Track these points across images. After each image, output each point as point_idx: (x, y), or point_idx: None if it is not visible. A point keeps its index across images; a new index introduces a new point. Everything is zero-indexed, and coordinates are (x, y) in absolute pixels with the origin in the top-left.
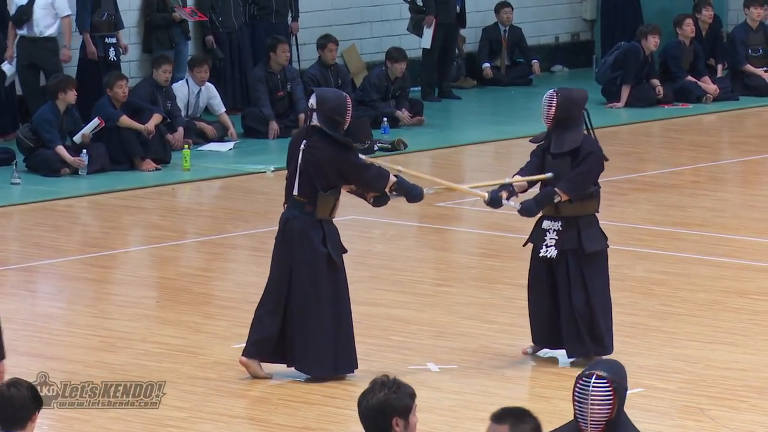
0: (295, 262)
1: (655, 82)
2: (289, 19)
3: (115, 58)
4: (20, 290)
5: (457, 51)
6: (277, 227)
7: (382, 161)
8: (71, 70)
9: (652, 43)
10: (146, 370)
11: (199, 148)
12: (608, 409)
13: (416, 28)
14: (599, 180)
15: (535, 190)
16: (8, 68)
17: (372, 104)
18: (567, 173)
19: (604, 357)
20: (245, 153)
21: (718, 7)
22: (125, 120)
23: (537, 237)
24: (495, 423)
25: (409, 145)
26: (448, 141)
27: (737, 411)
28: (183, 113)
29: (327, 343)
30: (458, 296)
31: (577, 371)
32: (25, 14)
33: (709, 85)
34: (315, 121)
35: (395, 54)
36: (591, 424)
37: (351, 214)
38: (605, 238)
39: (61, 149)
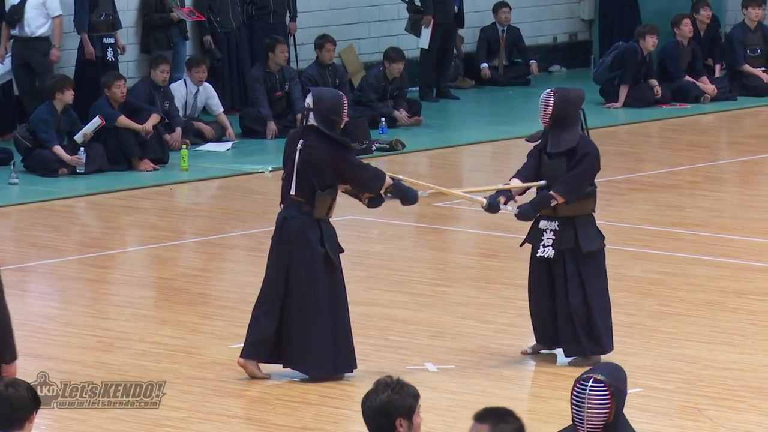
0: (293, 261)
1: (653, 82)
2: (287, 19)
3: (113, 59)
4: (18, 290)
5: (455, 51)
6: (274, 227)
7: (380, 162)
8: (69, 70)
9: (650, 43)
10: (144, 370)
11: (197, 149)
12: (605, 412)
13: (414, 28)
14: (596, 180)
15: (532, 193)
16: (0, 68)
17: (370, 104)
18: (563, 175)
19: (604, 358)
20: (243, 153)
21: (716, 8)
22: (123, 120)
23: (534, 237)
24: (476, 422)
25: (407, 145)
26: (446, 141)
27: (735, 411)
28: (181, 113)
29: (325, 343)
30: (456, 296)
31: (576, 371)
32: (16, 14)
33: (707, 86)
34: (312, 121)
35: (393, 54)
36: (588, 427)
37: (349, 214)
38: (602, 237)
39: (58, 149)
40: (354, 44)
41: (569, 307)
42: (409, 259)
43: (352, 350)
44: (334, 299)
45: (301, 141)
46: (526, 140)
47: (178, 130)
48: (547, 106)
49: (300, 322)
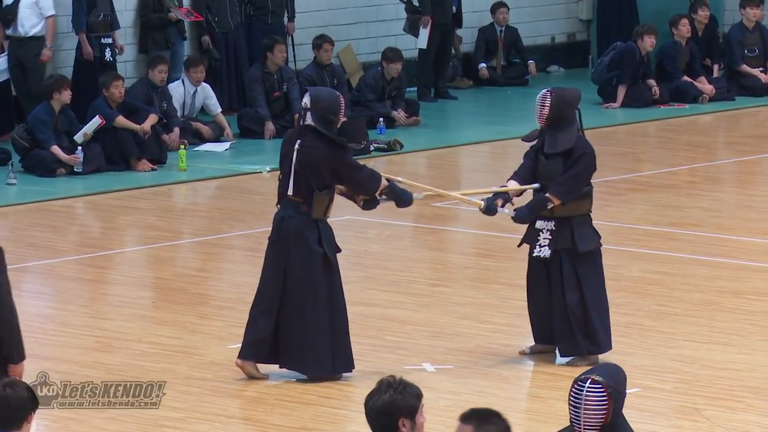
0: (291, 261)
1: (651, 82)
2: (285, 19)
3: (111, 59)
4: (16, 290)
5: (453, 51)
6: (271, 227)
7: (378, 162)
8: (67, 70)
9: (648, 43)
10: (142, 370)
11: (195, 149)
12: (602, 414)
13: (412, 29)
14: (594, 180)
15: (529, 194)
16: None
17: (368, 104)
18: (559, 175)
19: (602, 358)
20: (241, 153)
21: (714, 8)
22: (121, 120)
23: (531, 237)
24: (462, 423)
25: (405, 145)
26: (445, 141)
27: (733, 411)
28: (179, 113)
29: (324, 342)
30: (454, 296)
31: (575, 371)
32: (10, 14)
33: (705, 86)
34: (309, 121)
35: (391, 54)
36: (585, 428)
37: (347, 214)
38: (598, 236)
39: (55, 149)
40: (352, 44)
41: (566, 306)
42: (407, 259)
43: (350, 350)
44: (333, 299)
45: (299, 141)
46: (522, 140)
47: (176, 130)
48: (544, 106)
49: (298, 322)
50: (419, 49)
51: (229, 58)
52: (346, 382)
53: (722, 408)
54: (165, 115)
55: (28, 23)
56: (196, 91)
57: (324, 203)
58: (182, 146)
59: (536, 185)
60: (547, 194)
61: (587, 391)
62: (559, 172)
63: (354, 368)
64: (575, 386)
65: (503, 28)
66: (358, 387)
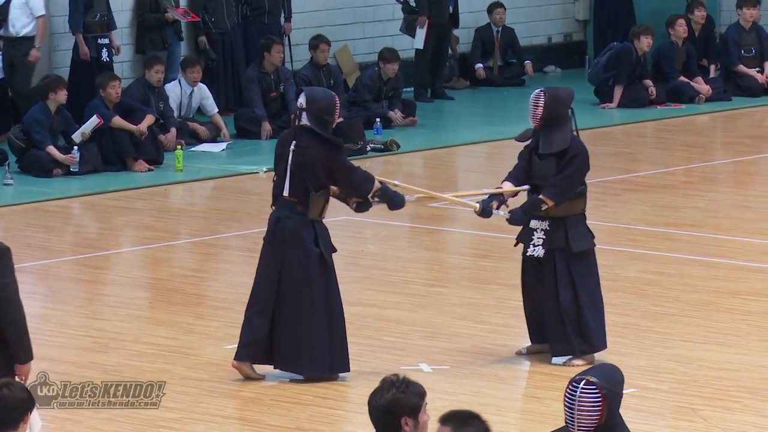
0: (287, 262)
1: (648, 82)
2: (282, 19)
3: (108, 59)
4: None
5: (449, 51)
6: (266, 227)
7: (375, 162)
8: (64, 71)
9: (644, 43)
10: (139, 371)
11: (192, 149)
12: (596, 415)
13: (409, 29)
14: (590, 180)
15: (524, 195)
16: None
17: (365, 105)
18: (552, 177)
19: (597, 357)
20: (238, 154)
21: (711, 8)
22: (118, 121)
23: (525, 236)
24: (441, 425)
25: (402, 145)
26: (441, 141)
27: (730, 411)
28: (176, 114)
29: (321, 342)
30: (451, 297)
31: (570, 371)
32: (1, 14)
33: (701, 86)
34: (304, 121)
35: (388, 54)
36: (579, 429)
37: (343, 214)
38: (592, 236)
39: (51, 149)
40: (349, 45)
41: (559, 305)
42: (404, 259)
43: (347, 350)
44: (329, 299)
45: (294, 142)
46: (515, 140)
47: (173, 130)
48: (537, 106)
49: (295, 322)
50: (416, 49)
51: (226, 58)
52: (342, 382)
53: (719, 408)
54: (162, 115)
55: (19, 23)
56: (192, 91)
57: (320, 204)
58: (179, 146)
59: (526, 187)
60: (540, 196)
61: (581, 392)
62: (553, 172)
63: (349, 370)
64: (570, 387)
65: (500, 29)
66: (354, 387)
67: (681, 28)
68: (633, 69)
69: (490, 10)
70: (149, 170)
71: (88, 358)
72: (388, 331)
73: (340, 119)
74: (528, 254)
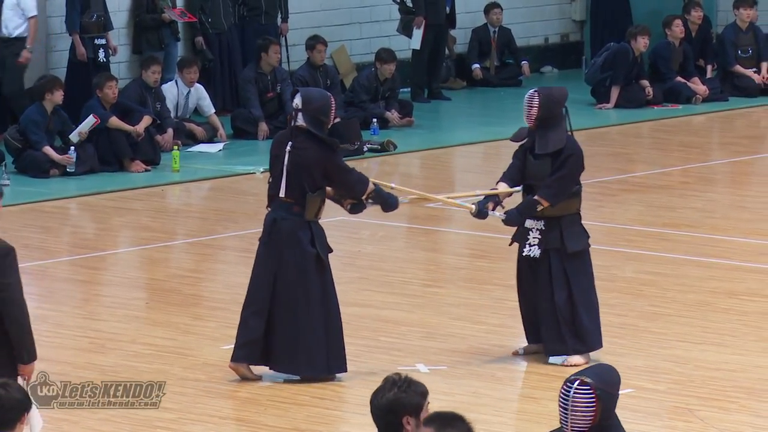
0: (283, 262)
1: (645, 83)
2: (279, 20)
3: (105, 60)
4: None
5: (446, 52)
6: (262, 228)
7: (372, 163)
8: (61, 71)
9: (641, 43)
10: (136, 371)
11: (189, 149)
12: (590, 415)
13: (406, 29)
14: (587, 180)
15: (519, 196)
16: None
17: (361, 105)
18: (547, 178)
19: (593, 356)
20: (235, 154)
21: (708, 8)
22: (115, 121)
23: (520, 236)
24: (424, 425)
25: (399, 146)
26: (438, 142)
27: (726, 411)
28: (172, 114)
29: (318, 343)
30: (448, 297)
31: (567, 371)
32: None
33: (698, 86)
34: (300, 121)
35: (385, 55)
36: (572, 429)
37: (340, 215)
38: (587, 236)
39: (48, 149)
40: (345, 45)
41: (554, 305)
42: (401, 260)
43: (344, 350)
44: (326, 299)
45: (290, 143)
46: (510, 140)
47: (170, 131)
48: (532, 106)
49: (291, 322)
50: (413, 49)
51: (223, 58)
52: (339, 383)
53: (715, 408)
54: (158, 116)
55: (12, 24)
56: (189, 91)
57: (316, 205)
58: (176, 147)
59: (518, 188)
60: (536, 197)
61: (575, 392)
62: (548, 172)
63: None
64: (564, 387)
65: (497, 29)
66: (351, 388)
67: (678, 29)
68: (630, 69)
69: (487, 10)
70: (146, 171)
71: (85, 358)
72: (385, 332)
73: (337, 120)
74: (524, 254)
